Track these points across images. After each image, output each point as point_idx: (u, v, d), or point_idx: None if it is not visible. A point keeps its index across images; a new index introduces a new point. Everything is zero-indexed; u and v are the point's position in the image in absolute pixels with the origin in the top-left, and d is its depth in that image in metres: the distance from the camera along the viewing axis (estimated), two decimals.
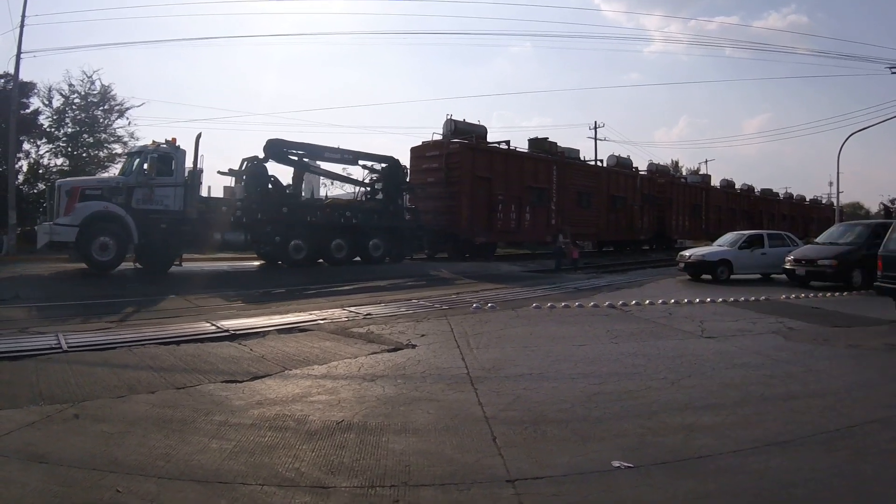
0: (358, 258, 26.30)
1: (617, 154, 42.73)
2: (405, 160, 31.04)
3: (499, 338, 9.67)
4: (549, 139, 36.52)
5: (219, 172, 25.10)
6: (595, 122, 59.81)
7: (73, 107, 37.33)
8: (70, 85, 37.10)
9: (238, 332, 9.87)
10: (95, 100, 37.78)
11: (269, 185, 24.98)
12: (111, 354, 8.30)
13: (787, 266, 19.27)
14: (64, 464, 4.50)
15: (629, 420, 5.63)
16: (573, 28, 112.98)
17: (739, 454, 4.75)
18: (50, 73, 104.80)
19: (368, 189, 29.56)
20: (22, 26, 29.35)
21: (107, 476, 4.29)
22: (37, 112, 35.82)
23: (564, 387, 6.80)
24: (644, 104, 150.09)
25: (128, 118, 38.63)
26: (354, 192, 31.35)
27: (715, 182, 55.52)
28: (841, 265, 17.97)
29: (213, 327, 10.35)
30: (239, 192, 24.70)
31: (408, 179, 30.19)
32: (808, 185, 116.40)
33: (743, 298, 14.44)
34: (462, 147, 30.65)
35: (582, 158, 40.56)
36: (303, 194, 28.70)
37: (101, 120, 37.52)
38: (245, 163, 24.57)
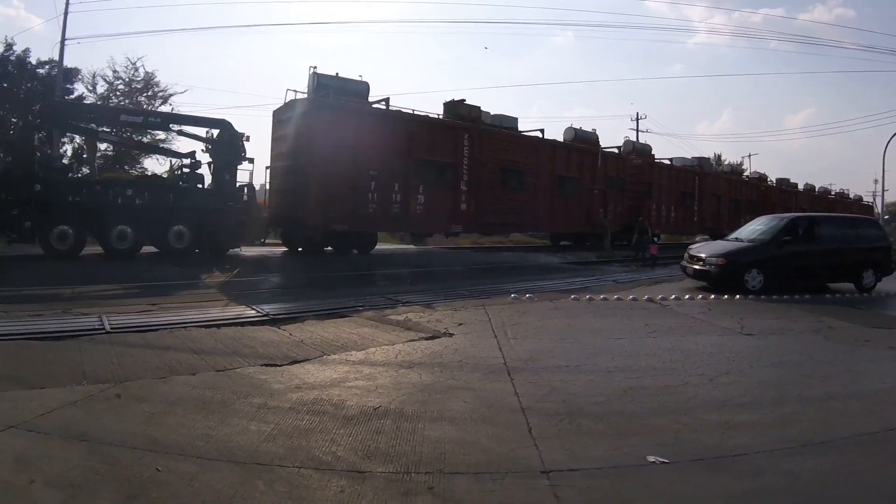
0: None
1: (577, 127, 34.28)
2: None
3: (536, 329, 9.67)
4: (467, 101, 28.40)
5: None
6: (637, 114, 57.71)
7: (118, 93, 38.02)
8: (114, 71, 37.89)
9: (278, 317, 10.02)
10: (139, 86, 38.50)
11: (37, 156, 20.06)
12: (153, 336, 8.49)
13: (683, 263, 16.79)
14: (105, 442, 4.62)
15: (665, 415, 5.63)
16: (616, 18, 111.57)
17: (775, 454, 4.72)
18: (93, 61, 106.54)
19: (188, 162, 22.67)
20: (66, 13, 30.36)
21: (147, 455, 4.41)
22: (81, 98, 36.49)
23: (601, 380, 6.80)
24: (687, 96, 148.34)
25: (171, 104, 39.13)
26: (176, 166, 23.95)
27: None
28: (729, 265, 15.11)
29: (254, 311, 10.52)
30: None
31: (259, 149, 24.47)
32: (853, 182, 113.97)
33: (786, 296, 14.24)
34: (313, 107, 23.05)
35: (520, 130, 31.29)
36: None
37: (145, 106, 38.01)
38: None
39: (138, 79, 38.37)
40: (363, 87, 24.84)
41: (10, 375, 6.37)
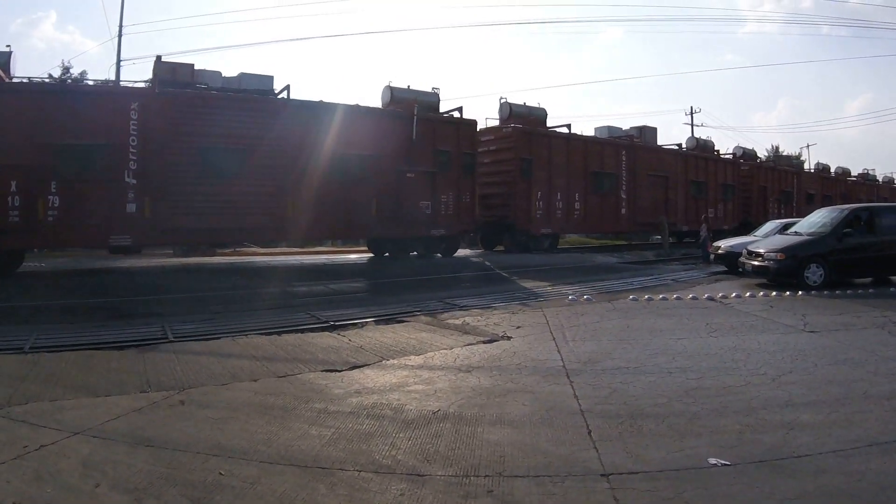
0: None
1: (390, 86, 23.37)
2: None
3: (595, 330, 9.65)
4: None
5: None
6: (691, 108, 55.13)
7: None
8: None
9: (337, 323, 10.18)
10: None
11: None
12: (215, 344, 8.77)
13: (742, 259, 16.49)
14: (169, 447, 4.80)
15: (727, 416, 5.57)
16: (664, 11, 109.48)
17: (840, 454, 4.64)
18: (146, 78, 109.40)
19: None
20: (120, 35, 31.74)
21: (210, 459, 4.57)
22: None
23: (661, 381, 6.77)
24: (740, 87, 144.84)
25: None
26: None
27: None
28: (788, 259, 14.77)
29: (313, 318, 10.69)
30: None
31: None
32: None
33: (850, 291, 13.91)
34: None
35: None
36: None
37: None
38: None
39: None
40: (2, 58, 17.36)
41: (78, 384, 6.64)
